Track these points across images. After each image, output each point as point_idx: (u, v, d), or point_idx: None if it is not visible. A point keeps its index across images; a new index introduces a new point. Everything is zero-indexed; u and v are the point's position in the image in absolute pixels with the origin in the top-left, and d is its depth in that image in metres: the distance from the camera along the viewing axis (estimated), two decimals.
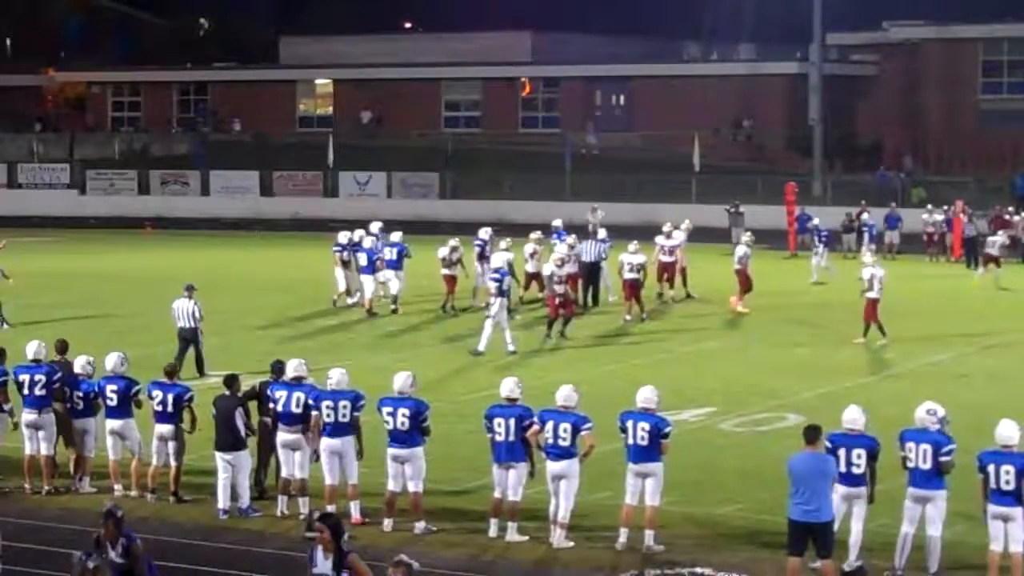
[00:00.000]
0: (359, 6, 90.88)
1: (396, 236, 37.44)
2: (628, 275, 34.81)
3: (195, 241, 57.17)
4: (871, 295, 31.82)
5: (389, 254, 36.43)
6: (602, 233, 40.29)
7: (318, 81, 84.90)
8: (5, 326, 33.63)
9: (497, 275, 31.16)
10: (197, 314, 28.62)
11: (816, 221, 46.81)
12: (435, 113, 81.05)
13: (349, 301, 36.91)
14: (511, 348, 30.40)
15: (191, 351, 28.51)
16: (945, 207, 51.61)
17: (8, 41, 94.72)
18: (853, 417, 16.69)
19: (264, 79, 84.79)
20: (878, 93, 74.67)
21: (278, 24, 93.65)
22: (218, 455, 19.29)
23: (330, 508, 18.59)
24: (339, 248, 37.17)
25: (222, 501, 19.23)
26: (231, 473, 19.21)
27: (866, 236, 48.53)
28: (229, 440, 19.22)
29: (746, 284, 36.41)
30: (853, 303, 35.33)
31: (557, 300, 32.27)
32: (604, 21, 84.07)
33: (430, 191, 68.59)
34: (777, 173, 62.88)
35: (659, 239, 37.52)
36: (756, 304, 37.31)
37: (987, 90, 72.70)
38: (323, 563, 12.78)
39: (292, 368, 19.33)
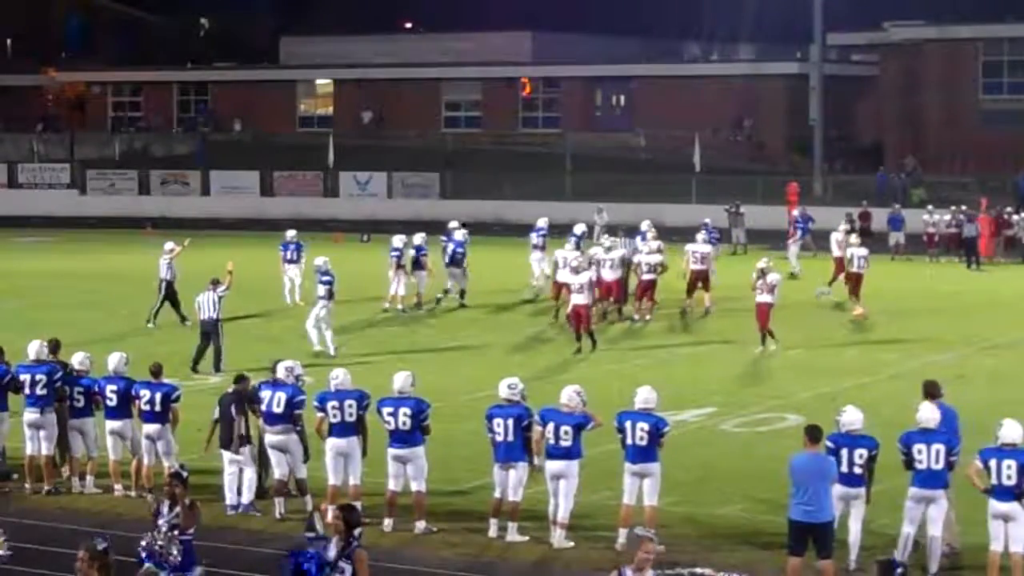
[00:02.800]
0: (359, 6, 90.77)
1: (460, 235, 37.60)
2: (646, 276, 34.73)
3: (195, 241, 57.02)
4: (765, 299, 30.98)
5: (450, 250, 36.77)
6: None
7: (318, 81, 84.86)
8: (187, 322, 33.62)
9: (327, 278, 31.08)
10: (217, 304, 28.84)
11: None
12: (435, 113, 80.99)
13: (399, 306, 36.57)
14: (332, 351, 30.21)
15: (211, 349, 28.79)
16: (953, 206, 51.22)
17: (8, 41, 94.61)
18: (852, 419, 16.72)
19: (264, 79, 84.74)
20: (878, 93, 74.57)
21: (278, 24, 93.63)
22: (223, 452, 19.33)
23: (332, 508, 18.62)
24: (396, 252, 36.44)
25: (229, 498, 19.26)
26: (236, 470, 19.23)
27: (798, 233, 45.34)
28: (230, 437, 19.25)
29: (861, 286, 35.56)
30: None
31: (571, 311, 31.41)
32: (604, 21, 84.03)
33: (430, 191, 68.55)
34: (777, 173, 62.80)
35: (690, 247, 35.91)
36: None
37: (987, 90, 72.52)
38: (330, 549, 12.94)
39: (280, 370, 19.37)
